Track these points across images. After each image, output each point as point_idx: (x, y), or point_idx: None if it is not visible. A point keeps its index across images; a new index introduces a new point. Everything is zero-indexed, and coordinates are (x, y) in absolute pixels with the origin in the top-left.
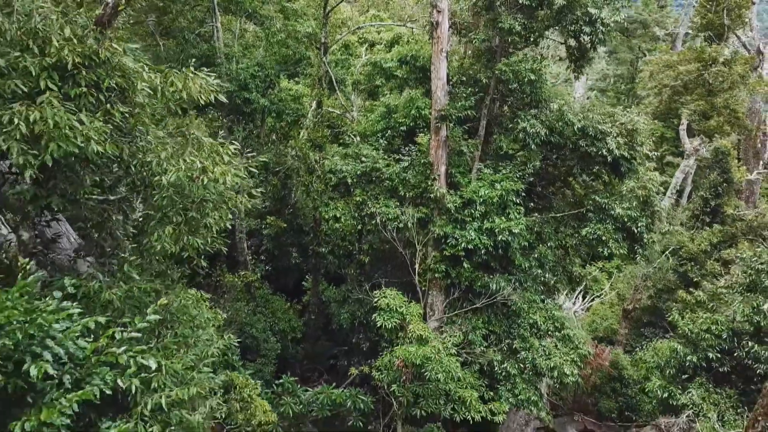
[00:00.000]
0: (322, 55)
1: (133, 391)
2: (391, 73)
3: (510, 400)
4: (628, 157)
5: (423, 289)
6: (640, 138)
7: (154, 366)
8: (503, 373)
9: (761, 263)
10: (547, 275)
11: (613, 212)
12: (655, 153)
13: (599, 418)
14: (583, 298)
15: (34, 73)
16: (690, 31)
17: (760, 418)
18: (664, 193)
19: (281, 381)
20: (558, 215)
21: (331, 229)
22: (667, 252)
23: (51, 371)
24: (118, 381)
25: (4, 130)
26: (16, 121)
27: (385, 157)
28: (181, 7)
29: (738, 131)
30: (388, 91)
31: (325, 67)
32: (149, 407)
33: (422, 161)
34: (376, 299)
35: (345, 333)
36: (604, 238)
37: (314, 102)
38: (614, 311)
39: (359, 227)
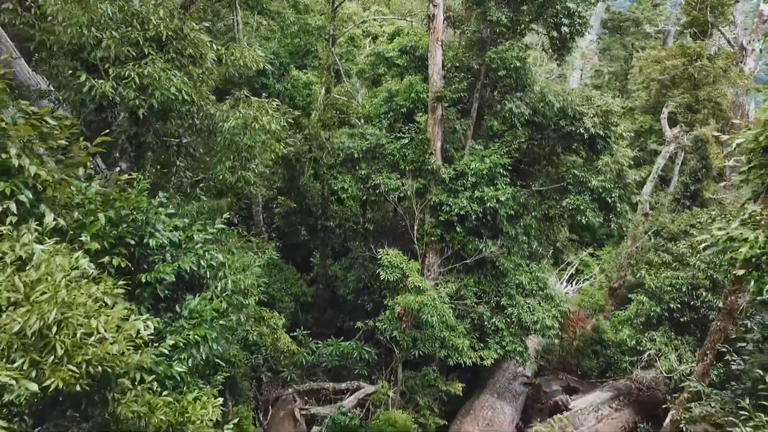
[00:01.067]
0: (331, 46)
1: (207, 276)
2: (393, 62)
3: (498, 351)
4: (603, 135)
5: (421, 251)
6: (614, 118)
7: (221, 259)
8: (492, 327)
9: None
10: (532, 243)
11: (590, 184)
12: (630, 133)
13: (581, 377)
14: (574, 281)
15: (140, 42)
16: (679, 28)
17: (708, 352)
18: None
19: (295, 334)
20: (542, 189)
21: (339, 202)
22: (649, 232)
23: (163, 241)
24: (201, 262)
25: (123, 81)
26: (131, 74)
27: (387, 135)
28: (205, 3)
29: (722, 123)
30: (390, 78)
31: (333, 57)
32: (219, 289)
33: (420, 138)
34: (380, 257)
35: (350, 303)
36: (582, 207)
37: (323, 88)
38: (602, 292)
39: (364, 198)
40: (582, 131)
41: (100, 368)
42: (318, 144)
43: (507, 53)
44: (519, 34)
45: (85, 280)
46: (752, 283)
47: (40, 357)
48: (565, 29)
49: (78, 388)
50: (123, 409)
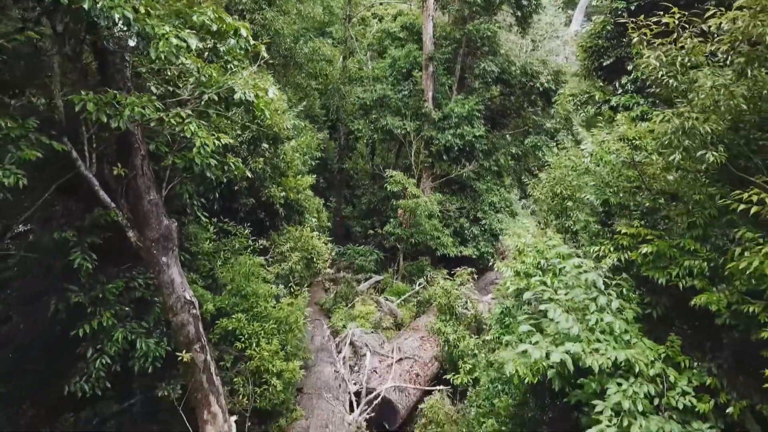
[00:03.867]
0: (347, 23)
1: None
2: (396, 36)
3: (475, 252)
4: (555, 89)
5: (417, 175)
6: (563, 77)
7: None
8: (470, 234)
9: None
10: (502, 172)
11: (545, 126)
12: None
13: None
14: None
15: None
16: None
17: None
18: None
19: None
20: (510, 133)
21: (356, 140)
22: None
23: None
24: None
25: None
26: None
27: (392, 89)
28: None
29: None
30: (393, 49)
31: (348, 32)
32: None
33: (417, 89)
34: (388, 175)
35: (361, 238)
36: (539, 144)
37: (341, 56)
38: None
39: (373, 138)
40: (539, 86)
41: None
42: (339, 95)
43: (481, 26)
44: (492, 13)
45: None
46: None
47: None
48: (525, 9)
49: None
50: None
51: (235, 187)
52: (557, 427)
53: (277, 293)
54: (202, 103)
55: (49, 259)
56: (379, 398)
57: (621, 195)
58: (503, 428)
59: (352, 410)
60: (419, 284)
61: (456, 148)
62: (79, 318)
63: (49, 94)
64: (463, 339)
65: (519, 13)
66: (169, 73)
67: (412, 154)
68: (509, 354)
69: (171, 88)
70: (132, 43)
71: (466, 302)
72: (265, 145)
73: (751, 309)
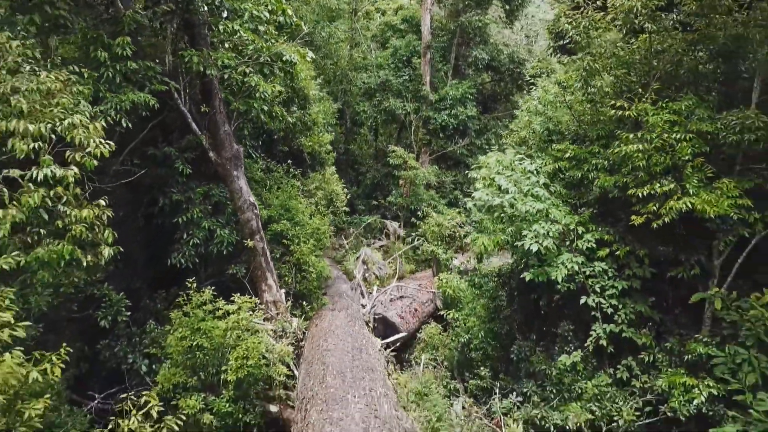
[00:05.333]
0: (353, 16)
1: None
2: (397, 27)
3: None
4: (539, 74)
5: (416, 151)
6: (550, 66)
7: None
8: (463, 205)
9: None
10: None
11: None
12: None
13: None
14: None
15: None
16: None
17: None
18: None
19: None
20: (499, 114)
21: (361, 124)
22: None
23: None
24: None
25: None
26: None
27: (393, 74)
28: None
29: None
30: (395, 39)
31: (354, 24)
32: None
33: (416, 74)
34: (390, 149)
35: (366, 212)
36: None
37: (348, 45)
38: None
39: (376, 120)
40: (524, 72)
41: None
42: (346, 81)
43: (473, 18)
44: (484, 7)
45: None
46: None
47: None
48: (513, 3)
49: None
50: None
51: (274, 137)
52: (521, 312)
53: (310, 212)
54: (260, 61)
55: (158, 169)
56: (383, 316)
57: (557, 123)
58: (483, 325)
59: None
60: (416, 236)
61: (451, 126)
62: (177, 212)
63: (162, 52)
64: (451, 259)
65: (507, 7)
66: (234, 41)
67: (412, 132)
68: (480, 236)
69: (233, 54)
70: (225, 14)
71: (455, 232)
72: (296, 107)
73: (623, 180)
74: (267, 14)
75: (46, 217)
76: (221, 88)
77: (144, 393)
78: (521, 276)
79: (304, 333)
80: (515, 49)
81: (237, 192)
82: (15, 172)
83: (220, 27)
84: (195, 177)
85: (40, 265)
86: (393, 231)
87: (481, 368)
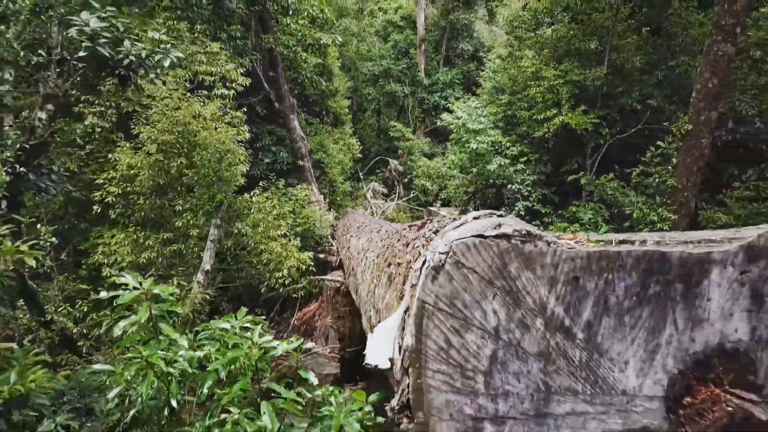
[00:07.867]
0: (360, 14)
1: None
2: (396, 24)
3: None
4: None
5: (413, 128)
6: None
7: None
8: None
9: None
10: None
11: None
12: None
13: None
14: None
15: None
16: None
17: None
18: None
19: None
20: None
21: (365, 109)
22: None
23: None
24: None
25: None
26: None
27: (394, 63)
28: None
29: None
30: (396, 34)
31: (361, 22)
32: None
33: (412, 63)
34: (391, 125)
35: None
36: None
37: (355, 40)
38: None
39: (379, 103)
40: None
41: None
42: (354, 68)
43: (460, 16)
44: (471, 6)
45: None
46: None
47: None
48: (491, 4)
49: None
50: None
51: (310, 100)
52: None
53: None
54: (306, 43)
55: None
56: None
57: (512, 83)
58: None
59: None
60: (413, 194)
61: (441, 106)
62: (255, 141)
63: (245, 35)
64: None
65: (488, 8)
66: (290, 30)
67: (409, 111)
68: (451, 155)
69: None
70: (293, 7)
71: (444, 173)
72: (324, 79)
73: (532, 112)
74: (318, 12)
75: None
76: (282, 60)
77: None
78: (473, 170)
79: (334, 225)
80: (497, 43)
81: (293, 129)
82: None
83: (283, 21)
84: (266, 119)
85: None
86: (394, 167)
87: None
